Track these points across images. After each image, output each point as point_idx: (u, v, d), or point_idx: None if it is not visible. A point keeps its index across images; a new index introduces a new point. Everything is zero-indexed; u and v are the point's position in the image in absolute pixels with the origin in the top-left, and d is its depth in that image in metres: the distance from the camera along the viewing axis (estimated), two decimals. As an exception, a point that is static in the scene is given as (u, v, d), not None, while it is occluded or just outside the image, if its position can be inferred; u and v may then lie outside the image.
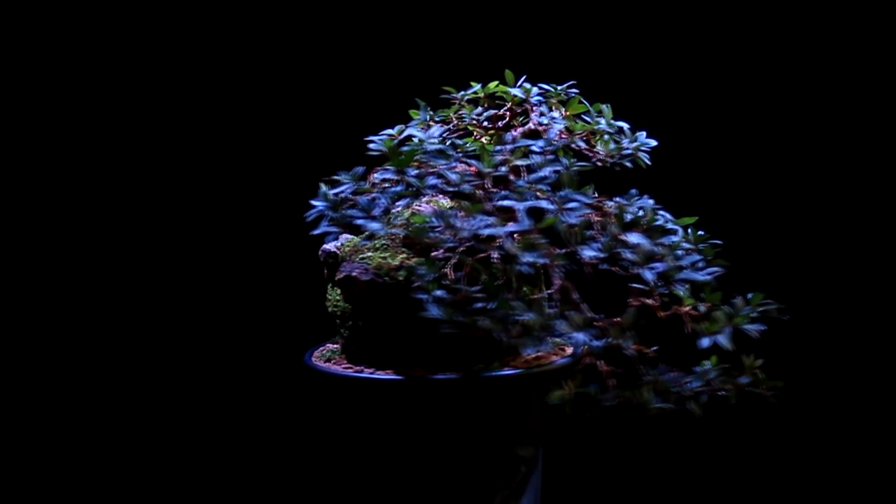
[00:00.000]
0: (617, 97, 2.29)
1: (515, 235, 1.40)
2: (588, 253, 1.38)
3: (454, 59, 2.23)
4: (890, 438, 2.25)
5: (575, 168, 1.48)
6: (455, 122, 1.62)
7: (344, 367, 1.56)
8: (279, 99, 2.26)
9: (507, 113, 1.62)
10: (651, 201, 1.56)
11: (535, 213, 1.41)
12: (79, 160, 2.25)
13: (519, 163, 1.46)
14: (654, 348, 1.42)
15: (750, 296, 1.46)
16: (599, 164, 1.56)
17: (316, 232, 1.43)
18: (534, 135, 1.56)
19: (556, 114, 1.55)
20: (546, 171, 1.45)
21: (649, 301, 1.44)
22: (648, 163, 1.61)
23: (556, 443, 1.88)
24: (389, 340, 1.52)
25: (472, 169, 1.44)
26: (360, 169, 1.51)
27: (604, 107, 1.63)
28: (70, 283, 2.27)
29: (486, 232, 1.36)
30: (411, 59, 2.25)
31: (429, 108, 1.60)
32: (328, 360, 1.61)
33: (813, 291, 2.27)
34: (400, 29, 2.25)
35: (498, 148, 1.48)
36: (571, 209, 1.41)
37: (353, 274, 1.53)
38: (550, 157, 1.48)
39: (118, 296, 2.28)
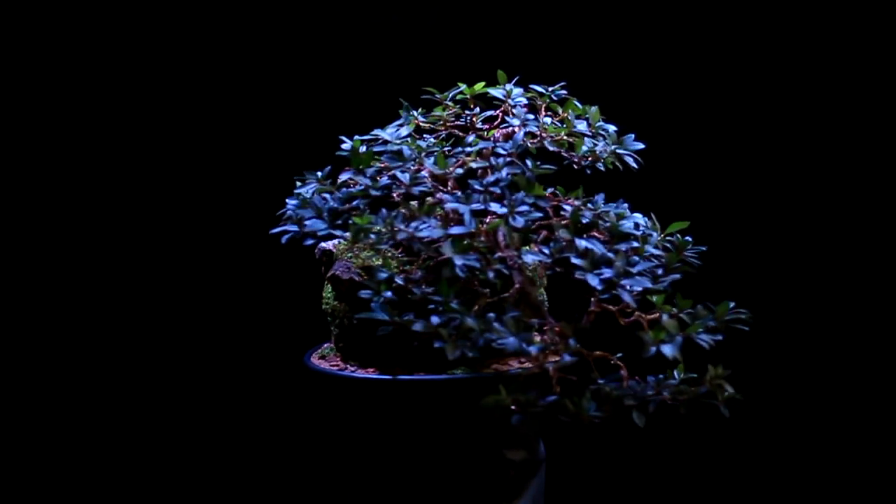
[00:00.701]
0: (623, 100, 2.30)
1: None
2: (529, 258, 1.37)
3: (454, 59, 2.24)
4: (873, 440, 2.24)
5: (537, 171, 1.46)
6: (443, 122, 1.62)
7: (331, 365, 1.59)
8: (281, 99, 2.28)
9: (501, 114, 1.61)
10: (626, 205, 1.54)
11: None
12: (73, 162, 2.29)
13: (475, 165, 1.46)
14: (619, 355, 1.40)
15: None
16: (576, 166, 1.54)
17: (274, 231, 1.46)
18: (509, 137, 1.55)
19: (531, 116, 1.53)
20: (502, 174, 1.44)
21: (611, 307, 1.42)
22: (635, 166, 1.58)
23: (560, 447, 1.88)
24: (373, 339, 1.53)
25: (426, 171, 1.44)
26: (328, 168, 1.52)
27: (592, 108, 1.60)
28: (66, 285, 2.29)
29: (424, 234, 1.36)
30: (413, 58, 2.26)
31: (411, 109, 1.60)
32: (323, 357, 1.63)
33: (804, 296, 2.30)
34: (402, 28, 2.26)
35: (459, 150, 1.48)
36: (520, 212, 1.40)
37: (337, 272, 1.56)
38: (508, 159, 1.46)
39: (115, 292, 2.31)
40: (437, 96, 1.62)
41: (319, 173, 1.51)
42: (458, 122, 1.60)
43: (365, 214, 1.39)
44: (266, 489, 2.25)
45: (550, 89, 1.64)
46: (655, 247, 1.52)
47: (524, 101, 1.60)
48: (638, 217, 1.51)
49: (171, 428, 2.32)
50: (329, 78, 2.27)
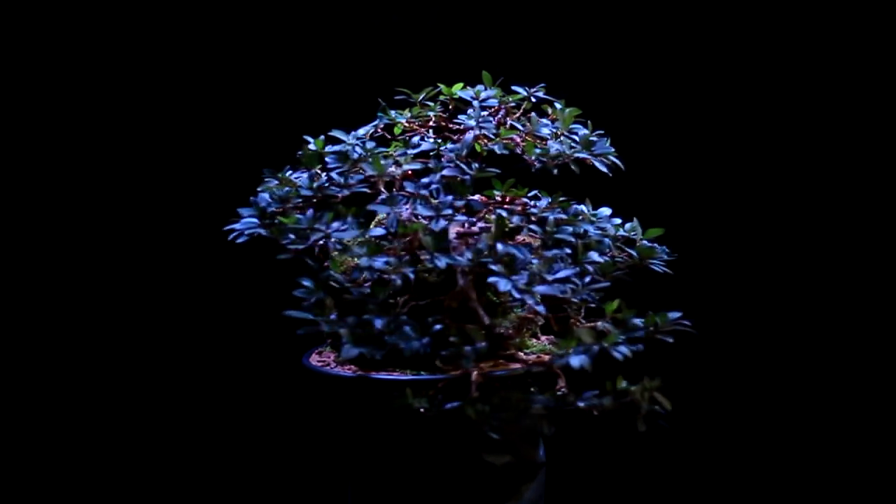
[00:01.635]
0: (625, 103, 2.31)
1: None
2: (441, 261, 1.36)
3: (455, 58, 2.24)
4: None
5: (480, 174, 1.46)
6: (424, 123, 1.63)
7: (318, 360, 1.62)
8: (283, 98, 2.29)
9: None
10: (582, 207, 1.51)
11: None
12: (74, 162, 2.30)
13: (409, 167, 1.46)
14: (566, 362, 1.38)
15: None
16: (533, 170, 1.52)
17: (227, 228, 1.50)
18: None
19: (489, 118, 1.52)
20: (435, 177, 1.44)
21: (544, 314, 1.41)
22: (604, 170, 1.55)
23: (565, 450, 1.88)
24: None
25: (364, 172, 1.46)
26: (288, 168, 1.56)
27: (566, 111, 1.58)
28: (65, 286, 2.30)
29: (337, 236, 1.38)
30: (414, 59, 2.26)
31: (389, 109, 1.62)
32: (319, 353, 1.67)
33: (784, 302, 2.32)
34: (402, 28, 2.26)
35: (401, 152, 1.49)
36: (445, 216, 1.40)
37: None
38: (448, 162, 1.46)
39: (114, 292, 2.32)
40: (412, 98, 1.62)
41: (282, 173, 1.54)
42: (431, 124, 1.60)
43: (292, 214, 1.42)
44: (261, 483, 2.26)
45: (530, 91, 1.62)
46: (611, 252, 1.49)
47: (496, 102, 1.58)
48: (588, 224, 1.48)
49: (170, 427, 2.33)
50: (328, 78, 2.29)
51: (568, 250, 1.42)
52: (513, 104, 1.60)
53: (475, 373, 1.39)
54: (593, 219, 1.54)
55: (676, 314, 1.42)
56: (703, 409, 2.31)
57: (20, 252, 2.30)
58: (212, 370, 2.35)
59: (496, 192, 1.52)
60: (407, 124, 1.59)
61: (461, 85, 1.62)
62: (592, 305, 1.42)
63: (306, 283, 1.40)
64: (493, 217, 1.44)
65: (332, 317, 1.39)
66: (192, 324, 2.35)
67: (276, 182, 1.53)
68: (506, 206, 1.46)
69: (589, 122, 1.62)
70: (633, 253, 1.53)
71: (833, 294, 2.31)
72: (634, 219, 1.60)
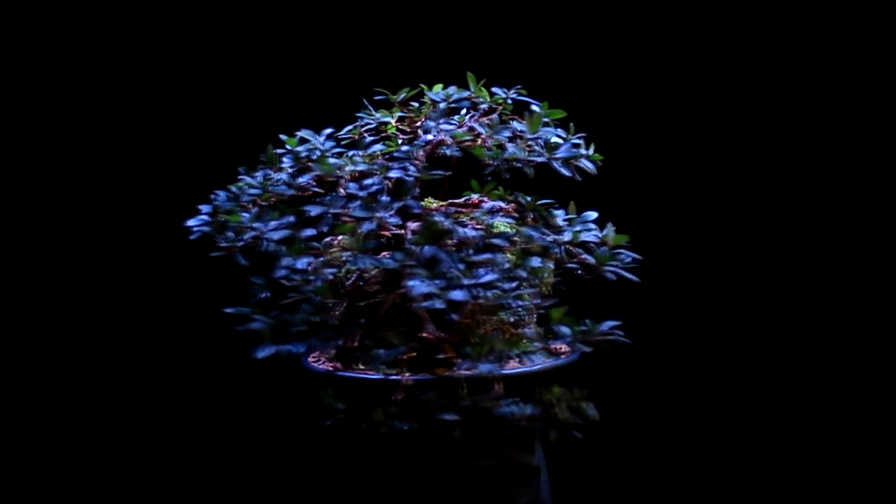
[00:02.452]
0: (625, 105, 2.28)
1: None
2: (362, 263, 1.37)
3: (455, 58, 2.21)
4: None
5: (426, 176, 1.46)
6: (407, 122, 1.64)
7: (312, 357, 1.65)
8: (281, 98, 2.29)
9: (423, 118, 1.61)
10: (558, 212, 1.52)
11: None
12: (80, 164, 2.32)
13: (353, 168, 1.48)
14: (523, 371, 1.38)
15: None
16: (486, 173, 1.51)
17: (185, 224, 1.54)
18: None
19: (444, 120, 1.52)
20: (375, 179, 1.45)
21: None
22: (567, 173, 1.52)
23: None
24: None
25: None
26: (259, 167, 1.59)
27: (537, 114, 1.56)
28: (64, 286, 2.31)
29: (268, 235, 1.41)
30: (412, 58, 2.24)
31: (372, 110, 1.63)
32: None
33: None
34: (401, 28, 2.24)
35: (352, 153, 1.51)
36: (375, 217, 1.41)
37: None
38: (396, 163, 1.47)
39: (113, 292, 2.32)
40: (391, 98, 1.63)
41: (244, 171, 1.57)
42: (400, 127, 1.61)
43: (236, 213, 1.45)
44: (258, 480, 2.27)
45: (509, 92, 1.60)
46: (560, 258, 1.47)
47: (468, 104, 1.57)
48: (532, 230, 1.46)
49: (170, 426, 2.34)
50: (329, 78, 2.28)
51: (499, 255, 1.39)
52: (486, 106, 1.58)
53: (404, 377, 1.39)
54: (564, 224, 1.52)
55: (610, 324, 1.38)
56: (702, 412, 2.30)
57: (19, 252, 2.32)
58: (212, 370, 2.36)
59: (474, 195, 1.54)
60: (380, 125, 1.59)
61: (440, 86, 1.61)
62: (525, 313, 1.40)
63: (257, 280, 1.43)
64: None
65: (274, 314, 1.41)
66: (192, 323, 2.33)
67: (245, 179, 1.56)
68: (441, 209, 1.45)
69: (571, 124, 1.58)
70: (590, 259, 1.49)
71: (808, 297, 2.30)
72: (609, 224, 1.56)
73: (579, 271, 1.51)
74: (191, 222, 1.49)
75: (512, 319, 1.45)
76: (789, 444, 2.24)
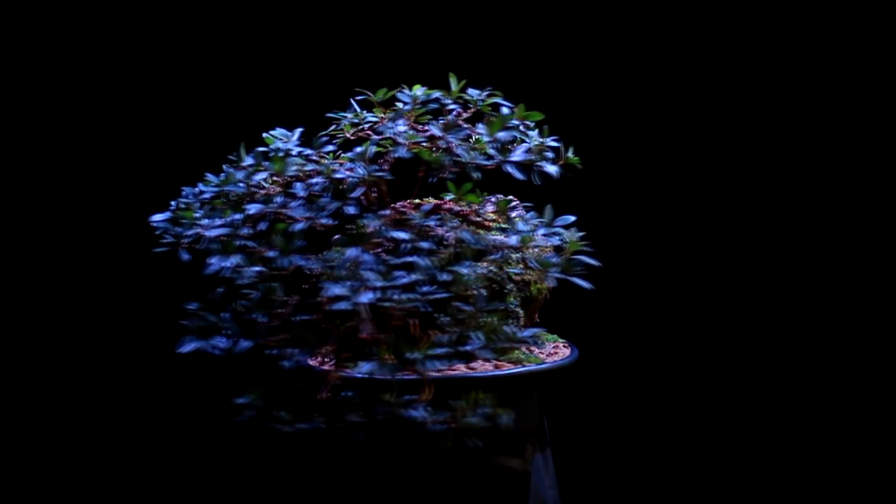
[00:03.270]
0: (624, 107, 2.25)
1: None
2: (286, 262, 1.41)
3: (455, 59, 2.18)
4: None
5: (371, 178, 1.48)
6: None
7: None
8: (281, 98, 2.29)
9: (382, 120, 1.62)
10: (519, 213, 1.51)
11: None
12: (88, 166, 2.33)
13: (295, 169, 1.51)
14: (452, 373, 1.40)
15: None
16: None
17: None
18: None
19: (402, 121, 1.53)
20: (317, 179, 1.48)
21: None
22: (519, 176, 1.51)
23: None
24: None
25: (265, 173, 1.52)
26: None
27: (499, 116, 1.55)
28: (64, 286, 2.34)
29: (207, 233, 1.46)
30: (413, 59, 2.22)
31: (360, 112, 1.65)
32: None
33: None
34: (401, 28, 2.23)
35: (309, 152, 1.54)
36: (307, 217, 1.44)
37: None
38: (349, 164, 1.49)
39: (112, 292, 2.34)
40: (371, 98, 1.65)
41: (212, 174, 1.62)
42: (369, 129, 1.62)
43: (191, 210, 1.51)
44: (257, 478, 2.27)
45: (482, 94, 1.60)
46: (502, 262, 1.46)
47: (436, 105, 1.58)
48: (466, 233, 1.46)
49: (168, 426, 2.34)
50: (328, 79, 2.25)
51: (420, 259, 1.40)
52: (456, 108, 1.58)
53: (331, 375, 1.41)
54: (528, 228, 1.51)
55: (533, 331, 1.39)
56: (702, 412, 2.29)
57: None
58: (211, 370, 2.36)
59: (448, 196, 1.55)
60: (353, 126, 1.61)
61: (417, 87, 1.62)
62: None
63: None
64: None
65: (224, 314, 1.46)
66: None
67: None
68: (379, 213, 1.46)
69: (545, 127, 1.57)
70: (535, 264, 1.47)
71: (800, 295, 2.32)
72: (573, 229, 1.54)
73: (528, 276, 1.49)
74: (156, 217, 1.55)
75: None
76: (789, 444, 2.23)
